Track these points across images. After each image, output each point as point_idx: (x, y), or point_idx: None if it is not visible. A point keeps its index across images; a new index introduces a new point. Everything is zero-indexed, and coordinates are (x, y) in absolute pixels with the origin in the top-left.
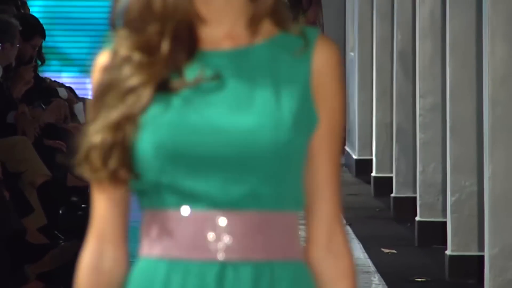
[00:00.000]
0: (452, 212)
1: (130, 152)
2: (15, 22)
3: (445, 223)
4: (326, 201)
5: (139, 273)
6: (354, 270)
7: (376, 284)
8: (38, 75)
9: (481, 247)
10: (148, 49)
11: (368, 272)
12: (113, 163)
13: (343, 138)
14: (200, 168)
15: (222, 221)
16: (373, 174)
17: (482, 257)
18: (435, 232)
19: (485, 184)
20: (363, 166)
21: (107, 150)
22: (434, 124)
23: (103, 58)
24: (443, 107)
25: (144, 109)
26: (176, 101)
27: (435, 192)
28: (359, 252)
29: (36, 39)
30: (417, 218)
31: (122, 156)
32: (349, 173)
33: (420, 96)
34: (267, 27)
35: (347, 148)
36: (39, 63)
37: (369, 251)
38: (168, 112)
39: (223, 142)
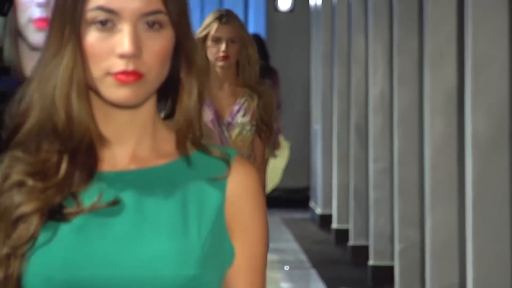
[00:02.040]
0: (399, 258)
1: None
2: None
3: (393, 267)
4: None
5: None
6: None
7: None
8: None
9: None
10: (43, 172)
11: None
12: None
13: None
14: None
15: None
16: (334, 226)
17: None
18: (386, 275)
19: (426, 234)
20: (326, 219)
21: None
22: (384, 185)
23: None
24: (392, 170)
25: (31, 239)
26: (67, 230)
27: (385, 240)
28: None
29: None
30: (370, 263)
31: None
32: (314, 225)
33: (373, 161)
34: (177, 146)
35: (311, 204)
36: None
37: None
38: (58, 243)
39: (120, 278)
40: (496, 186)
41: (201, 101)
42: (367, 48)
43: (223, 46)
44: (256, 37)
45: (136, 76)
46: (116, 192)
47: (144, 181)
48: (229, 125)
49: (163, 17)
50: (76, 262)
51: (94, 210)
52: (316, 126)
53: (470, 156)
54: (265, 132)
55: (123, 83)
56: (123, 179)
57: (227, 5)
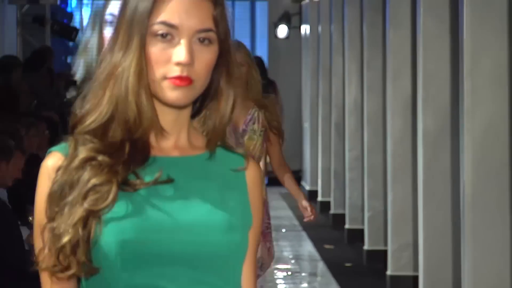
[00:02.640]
0: (368, 223)
1: (91, 248)
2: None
3: (363, 230)
4: None
5: None
6: None
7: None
8: None
9: (385, 242)
10: (110, 152)
11: (315, 260)
12: (81, 258)
13: None
14: (157, 266)
15: None
16: (319, 199)
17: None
18: (358, 235)
19: (388, 205)
20: (313, 194)
21: (74, 248)
22: (357, 168)
23: (54, 160)
24: (362, 157)
25: (108, 206)
26: (137, 200)
27: (357, 210)
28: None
29: None
30: (346, 226)
31: (84, 253)
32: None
33: (348, 150)
34: (208, 141)
35: (302, 183)
36: None
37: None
38: (129, 211)
39: (180, 241)
40: (440, 170)
41: (234, 108)
42: (344, 66)
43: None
44: (258, 59)
45: (188, 81)
46: (167, 172)
47: (186, 165)
48: (244, 132)
49: (212, 35)
50: (145, 227)
51: (153, 185)
52: (306, 124)
53: (421, 147)
54: (277, 135)
55: (177, 86)
56: (170, 163)
57: (238, 34)
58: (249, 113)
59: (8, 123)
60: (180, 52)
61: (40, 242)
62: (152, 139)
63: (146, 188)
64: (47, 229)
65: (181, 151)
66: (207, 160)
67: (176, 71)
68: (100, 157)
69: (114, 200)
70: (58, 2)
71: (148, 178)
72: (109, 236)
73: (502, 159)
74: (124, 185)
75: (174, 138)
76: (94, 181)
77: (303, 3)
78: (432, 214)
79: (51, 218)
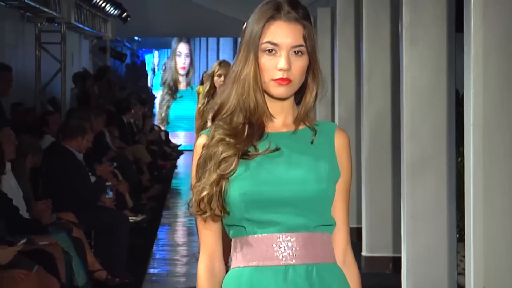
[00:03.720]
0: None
1: (224, 199)
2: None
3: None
4: (341, 230)
5: (231, 277)
6: (359, 277)
7: None
8: None
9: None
10: (235, 134)
11: None
12: (214, 207)
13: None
14: (270, 207)
15: (284, 239)
16: None
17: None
18: None
19: (363, 194)
20: None
21: (210, 199)
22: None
23: (202, 140)
24: None
25: (233, 171)
26: (253, 164)
27: None
28: None
29: None
30: (363, 253)
31: (220, 202)
32: None
33: None
34: (304, 120)
35: None
36: None
37: None
38: (248, 172)
39: (285, 190)
40: (380, 154)
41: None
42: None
43: (222, 79)
44: None
45: (287, 81)
46: (276, 143)
47: (291, 137)
48: None
49: (303, 49)
50: (259, 182)
51: (266, 154)
52: None
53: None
54: None
55: (280, 85)
56: (279, 136)
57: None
58: None
59: (84, 112)
60: (281, 62)
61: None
62: (266, 121)
63: (260, 156)
64: (194, 187)
65: (287, 127)
66: (306, 132)
67: (279, 75)
68: (228, 139)
69: (236, 167)
70: (114, 38)
71: (262, 149)
72: (234, 190)
73: (387, 137)
74: (245, 155)
75: (282, 120)
76: (224, 155)
77: None
78: (374, 194)
79: (197, 180)
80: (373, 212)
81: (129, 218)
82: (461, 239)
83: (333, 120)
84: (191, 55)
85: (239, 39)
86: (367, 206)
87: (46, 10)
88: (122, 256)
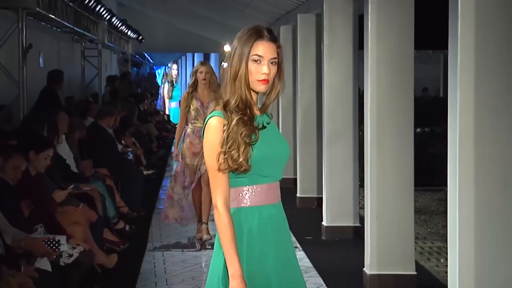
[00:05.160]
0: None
1: (247, 159)
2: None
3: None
4: None
5: (245, 213)
6: None
7: None
8: None
9: (319, 190)
10: (245, 115)
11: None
12: (242, 164)
13: None
14: (272, 164)
15: (276, 186)
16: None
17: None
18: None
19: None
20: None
21: (239, 160)
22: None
23: (220, 120)
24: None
25: (255, 141)
26: (261, 135)
27: (311, 176)
28: None
29: None
30: (298, 195)
31: (245, 162)
32: None
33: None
34: (265, 109)
35: None
36: None
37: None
38: (261, 140)
39: (281, 153)
40: (309, 130)
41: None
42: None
43: (203, 75)
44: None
45: (267, 81)
46: (260, 122)
47: (264, 118)
48: (207, 107)
49: (277, 60)
50: (268, 146)
51: (263, 129)
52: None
53: (299, 117)
54: None
55: (262, 84)
56: (259, 118)
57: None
58: (211, 97)
59: (112, 103)
60: (264, 68)
61: (217, 159)
62: (251, 109)
63: (261, 130)
64: (226, 153)
65: (259, 112)
66: (267, 117)
67: (262, 77)
68: (245, 117)
69: (258, 138)
70: (133, 53)
71: (259, 125)
72: (255, 153)
73: (313, 119)
74: (256, 129)
75: (256, 107)
76: (245, 132)
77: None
78: (334, 176)
79: (228, 147)
80: (304, 167)
81: (144, 172)
82: (361, 185)
83: (278, 107)
84: (178, 69)
85: (211, 54)
86: (300, 163)
87: (88, 34)
88: (139, 197)
